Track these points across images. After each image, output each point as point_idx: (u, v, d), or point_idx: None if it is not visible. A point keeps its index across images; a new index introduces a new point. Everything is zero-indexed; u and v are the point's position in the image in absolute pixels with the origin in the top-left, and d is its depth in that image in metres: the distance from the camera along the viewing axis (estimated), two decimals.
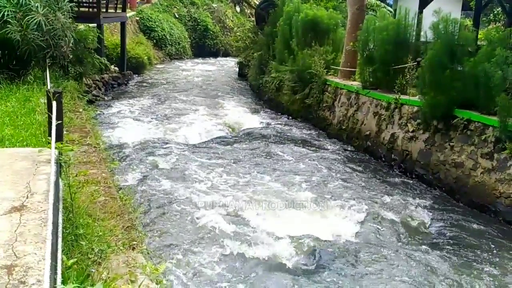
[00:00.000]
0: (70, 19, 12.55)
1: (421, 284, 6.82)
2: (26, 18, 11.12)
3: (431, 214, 9.17)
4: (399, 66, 12.64)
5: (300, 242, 7.79)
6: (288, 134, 15.00)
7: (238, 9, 47.04)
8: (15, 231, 3.75)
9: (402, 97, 12.07)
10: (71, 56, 13.08)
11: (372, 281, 6.86)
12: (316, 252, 7.54)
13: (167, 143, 13.30)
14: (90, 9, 20.37)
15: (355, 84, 14.44)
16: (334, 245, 7.83)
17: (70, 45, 12.38)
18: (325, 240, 7.96)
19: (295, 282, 6.75)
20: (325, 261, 7.34)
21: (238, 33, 32.04)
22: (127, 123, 15.54)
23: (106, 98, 19.62)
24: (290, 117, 17.21)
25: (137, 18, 34.21)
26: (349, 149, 13.60)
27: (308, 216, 8.78)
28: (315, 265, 7.25)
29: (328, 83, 15.70)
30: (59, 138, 5.13)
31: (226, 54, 40.88)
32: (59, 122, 5.31)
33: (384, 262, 7.37)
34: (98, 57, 17.65)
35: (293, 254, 7.48)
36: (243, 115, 17.61)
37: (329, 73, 16.09)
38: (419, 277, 6.97)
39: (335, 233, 8.24)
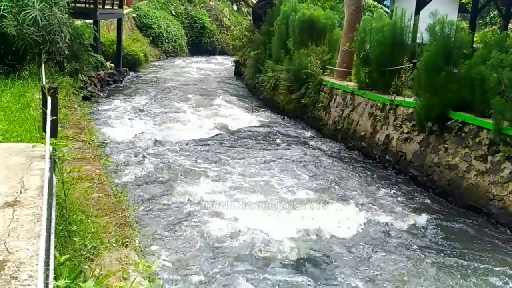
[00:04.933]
0: (67, 14, 12.51)
1: (413, 285, 6.84)
2: (22, 13, 11.08)
3: (424, 215, 9.18)
4: (395, 68, 12.67)
5: (292, 242, 7.81)
6: (283, 133, 15.01)
7: (235, 7, 47.06)
8: (8, 226, 3.75)
9: (398, 98, 12.10)
10: (67, 52, 13.03)
11: (363, 282, 6.87)
12: (308, 251, 7.56)
13: (161, 141, 13.29)
14: (87, 5, 20.33)
15: (351, 84, 14.46)
16: (326, 245, 7.84)
17: (66, 41, 12.35)
18: (316, 240, 7.99)
19: (288, 280, 6.76)
20: (316, 260, 7.35)
21: (235, 32, 32.11)
22: (122, 120, 15.53)
23: (101, 94, 19.57)
24: (286, 117, 17.22)
25: (134, 15, 34.16)
26: (343, 149, 13.62)
27: (300, 215, 8.78)
28: (305, 263, 7.26)
29: (324, 83, 15.72)
30: (53, 133, 5.11)
31: (222, 53, 40.90)
32: (54, 117, 5.29)
33: (376, 263, 7.38)
34: (95, 54, 17.60)
35: (286, 253, 7.48)
36: (238, 114, 17.61)
37: (325, 73, 16.12)
38: (411, 278, 6.99)
39: (327, 232, 8.24)
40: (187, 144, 13.23)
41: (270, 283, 6.70)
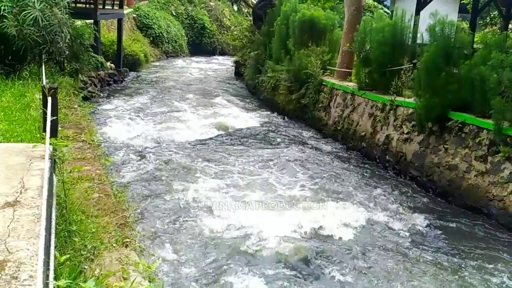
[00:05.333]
0: (67, 15, 12.51)
1: (413, 286, 6.84)
2: (23, 13, 11.07)
3: (424, 216, 9.18)
4: (395, 68, 12.67)
5: (291, 241, 7.81)
6: (283, 134, 15.01)
7: (235, 8, 47.08)
8: (8, 226, 3.75)
9: (398, 98, 12.09)
10: (67, 52, 13.03)
11: (362, 283, 6.87)
12: (306, 251, 7.56)
13: (161, 141, 13.30)
14: (87, 5, 20.34)
15: (351, 85, 14.46)
16: (325, 245, 7.84)
17: (67, 41, 12.35)
18: (316, 240, 7.99)
19: (286, 280, 6.76)
20: (314, 260, 7.35)
21: (235, 32, 32.16)
22: (123, 120, 15.54)
23: (101, 95, 19.59)
24: (286, 117, 17.23)
25: (134, 15, 34.19)
26: (344, 149, 13.63)
27: (300, 215, 8.78)
28: (304, 263, 7.26)
29: (324, 83, 15.72)
30: (53, 134, 5.12)
31: (222, 53, 40.95)
32: (54, 118, 5.29)
33: (375, 264, 7.38)
34: (95, 55, 17.61)
35: (285, 252, 7.49)
36: (238, 115, 17.61)
37: (325, 74, 16.13)
38: (410, 279, 6.99)
39: (326, 233, 8.25)
40: (187, 143, 13.24)
41: (265, 278, 6.73)
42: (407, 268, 7.28)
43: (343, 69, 15.45)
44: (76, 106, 12.25)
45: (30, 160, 5.24)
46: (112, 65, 23.42)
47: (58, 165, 4.98)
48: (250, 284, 6.61)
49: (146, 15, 34.98)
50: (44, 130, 5.41)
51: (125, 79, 24.15)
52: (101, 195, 6.57)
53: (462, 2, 20.28)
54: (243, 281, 6.65)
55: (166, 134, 14.17)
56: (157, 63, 31.87)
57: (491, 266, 7.44)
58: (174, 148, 12.58)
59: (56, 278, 3.24)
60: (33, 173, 4.86)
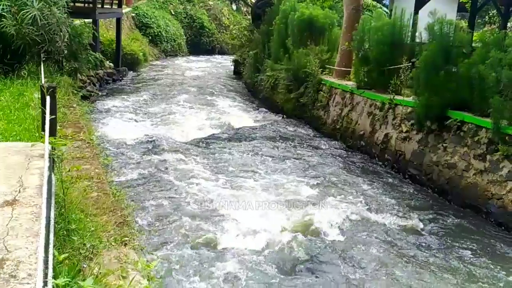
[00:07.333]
0: (66, 14, 12.52)
1: (411, 285, 6.84)
2: (21, 12, 11.08)
3: (423, 214, 9.19)
4: (394, 67, 12.67)
5: (289, 239, 7.82)
6: (282, 132, 15.01)
7: (234, 7, 47.08)
8: (7, 225, 3.75)
9: (396, 97, 12.10)
10: (66, 51, 13.05)
11: (361, 282, 6.87)
12: (304, 249, 7.57)
13: (160, 140, 13.28)
14: (86, 5, 20.36)
15: (350, 84, 14.46)
16: (323, 244, 7.84)
17: (65, 40, 12.35)
18: (314, 238, 7.99)
19: (282, 278, 6.77)
20: (311, 258, 7.36)
21: (234, 31, 32.20)
22: (121, 119, 15.55)
23: (100, 94, 19.59)
24: (285, 116, 17.23)
25: (133, 14, 34.20)
26: (342, 148, 13.62)
27: (298, 213, 8.79)
28: (300, 261, 7.28)
29: (323, 82, 15.72)
30: (52, 133, 5.11)
31: (221, 52, 40.95)
32: (53, 117, 5.28)
33: (373, 262, 7.37)
34: (93, 53, 17.61)
35: (282, 250, 7.51)
36: (237, 113, 17.63)
37: (324, 73, 16.12)
38: (408, 278, 6.99)
39: (324, 231, 8.25)
40: (185, 143, 13.23)
41: (258, 275, 6.76)
42: (405, 266, 7.28)
43: (342, 68, 15.45)
44: (75, 105, 12.25)
45: (29, 159, 5.24)
46: (110, 64, 23.43)
47: (57, 164, 4.98)
48: (239, 279, 6.65)
49: (145, 14, 34.99)
50: (43, 129, 5.41)
51: (124, 78, 24.16)
52: (100, 194, 6.57)
53: (461, 1, 20.28)
54: (233, 276, 6.69)
55: (164, 132, 14.18)
56: (156, 62, 31.88)
57: (489, 264, 7.44)
58: (172, 148, 12.57)
59: (54, 277, 3.24)
60: (31, 172, 4.86)
